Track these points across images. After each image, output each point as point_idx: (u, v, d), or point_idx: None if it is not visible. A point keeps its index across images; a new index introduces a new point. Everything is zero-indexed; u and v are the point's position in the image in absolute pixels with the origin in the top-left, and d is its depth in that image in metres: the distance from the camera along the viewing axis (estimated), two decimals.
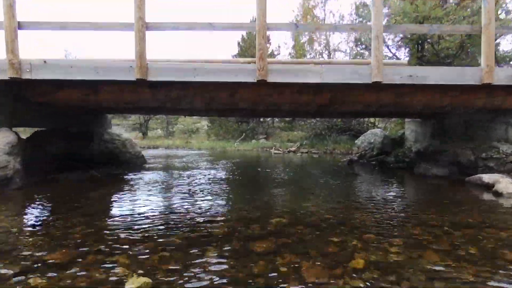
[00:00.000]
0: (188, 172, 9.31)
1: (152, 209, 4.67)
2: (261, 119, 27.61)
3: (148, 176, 8.45)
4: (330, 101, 6.54)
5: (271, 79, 5.80)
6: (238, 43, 28.60)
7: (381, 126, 20.51)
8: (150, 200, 5.33)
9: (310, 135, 22.37)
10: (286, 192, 6.31)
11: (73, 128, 9.14)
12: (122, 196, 5.71)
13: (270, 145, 22.12)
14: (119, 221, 3.98)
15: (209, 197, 5.66)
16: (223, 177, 8.49)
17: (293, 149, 19.04)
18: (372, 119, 20.01)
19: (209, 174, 8.88)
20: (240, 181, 8.11)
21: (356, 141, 13.20)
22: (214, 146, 23.21)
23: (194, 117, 42.26)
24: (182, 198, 5.55)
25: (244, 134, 24.52)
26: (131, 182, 7.30)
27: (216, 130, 26.62)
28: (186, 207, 4.83)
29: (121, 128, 38.98)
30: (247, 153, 18.98)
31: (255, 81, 5.78)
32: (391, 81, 5.89)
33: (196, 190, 6.38)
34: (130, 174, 8.66)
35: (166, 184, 7.29)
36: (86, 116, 9.60)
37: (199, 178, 8.09)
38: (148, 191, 6.23)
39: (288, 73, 5.87)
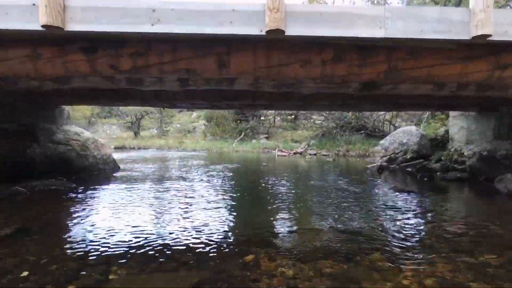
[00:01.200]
0: (169, 185, 6.67)
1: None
2: (262, 117, 24.91)
3: (107, 192, 5.80)
4: (386, 76, 3.90)
5: (291, 29, 3.14)
6: None
7: (399, 123, 17.88)
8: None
9: (317, 135, 19.70)
10: (326, 239, 3.69)
11: (8, 124, 6.46)
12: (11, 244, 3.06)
13: (272, 145, 19.46)
14: None
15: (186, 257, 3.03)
16: (215, 196, 5.83)
17: (299, 150, 16.38)
18: (388, 116, 17.38)
19: (195, 191, 6.23)
20: (239, 204, 5.46)
21: (381, 142, 10.55)
22: (210, 147, 20.55)
23: (193, 116, 39.58)
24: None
25: (243, 133, 21.88)
26: (68, 207, 4.66)
27: (213, 129, 23.90)
28: None
29: (116, 128, 36.35)
30: (247, 155, 16.34)
31: (263, 33, 3.14)
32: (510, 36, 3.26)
33: (166, 233, 3.75)
34: (81, 188, 6.00)
35: (124, 213, 4.64)
36: (27, 106, 6.89)
37: (179, 200, 5.45)
38: (82, 227, 3.59)
39: (322, 21, 3.20)
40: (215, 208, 4.89)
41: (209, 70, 3.73)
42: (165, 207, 4.93)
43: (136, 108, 26.87)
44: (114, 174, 8.14)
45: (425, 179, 7.39)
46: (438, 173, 7.77)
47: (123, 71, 3.74)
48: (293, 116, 28.96)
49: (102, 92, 6.10)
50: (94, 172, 7.91)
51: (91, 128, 35.46)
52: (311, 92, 4.74)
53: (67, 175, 6.97)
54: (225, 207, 4.97)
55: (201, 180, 7.46)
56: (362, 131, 15.83)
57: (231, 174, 8.77)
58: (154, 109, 28.21)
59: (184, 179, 7.56)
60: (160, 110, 28.25)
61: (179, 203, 5.19)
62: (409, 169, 8.65)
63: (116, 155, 15.99)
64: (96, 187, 6.34)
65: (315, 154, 15.29)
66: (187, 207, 4.88)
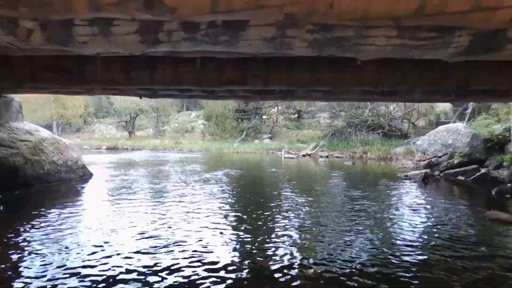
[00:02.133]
0: (148, 205, 4.70)
1: None
2: (265, 116, 22.92)
3: (43, 223, 3.84)
4: None
5: None
6: None
7: (418, 122, 15.90)
8: None
9: (326, 135, 17.73)
10: None
11: None
12: None
13: (277, 146, 17.50)
14: None
15: None
16: (208, 221, 3.87)
17: (308, 152, 14.41)
18: (398, 112, 15.44)
19: (180, 212, 4.27)
20: (243, 239, 3.46)
21: (417, 142, 8.60)
22: (209, 148, 18.59)
23: (192, 116, 37.52)
24: None
25: (245, 133, 19.90)
26: None
27: (212, 128, 21.91)
28: None
29: (113, 127, 34.38)
30: (250, 158, 14.41)
31: None
32: None
33: None
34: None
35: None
36: None
37: (154, 233, 3.47)
38: None
39: None
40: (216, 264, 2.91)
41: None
42: (133, 260, 2.95)
43: (131, 106, 24.96)
44: (81, 185, 6.18)
45: (507, 196, 5.34)
46: (509, 185, 5.78)
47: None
48: (296, 115, 27.00)
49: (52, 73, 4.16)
50: (54, 182, 5.93)
51: (87, 128, 33.58)
52: (374, 57, 2.74)
53: (11, 188, 5.00)
54: (230, 255, 3.01)
55: (195, 197, 5.47)
56: (380, 130, 13.85)
57: (234, 186, 6.79)
58: (150, 107, 26.28)
59: (171, 195, 5.59)
60: (156, 108, 26.30)
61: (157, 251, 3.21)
62: (460, 178, 6.69)
63: (102, 158, 13.99)
64: (35, 211, 4.34)
65: (327, 157, 13.32)
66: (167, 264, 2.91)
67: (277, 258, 2.88)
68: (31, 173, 5.53)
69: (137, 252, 2.94)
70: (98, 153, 16.67)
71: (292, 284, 2.41)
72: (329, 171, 9.06)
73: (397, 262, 2.79)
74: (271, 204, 5.00)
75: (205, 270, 2.60)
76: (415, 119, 15.07)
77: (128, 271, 2.56)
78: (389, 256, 2.89)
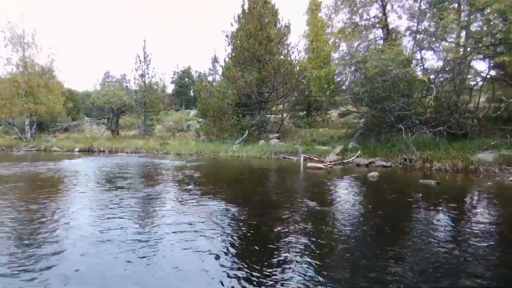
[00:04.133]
0: None
1: None
2: (272, 109, 18.45)
3: None
4: None
5: None
6: None
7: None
8: None
9: (353, 133, 13.32)
10: None
11: None
12: None
13: (289, 149, 13.11)
14: None
15: None
16: None
17: (335, 158, 9.98)
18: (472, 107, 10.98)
19: None
20: None
21: None
22: (202, 150, 14.21)
23: (191, 114, 32.92)
24: None
25: (247, 132, 15.51)
26: None
27: (208, 127, 17.48)
28: None
29: (92, 125, 29.91)
30: (255, 165, 10.05)
31: None
32: None
33: None
34: None
35: None
36: None
37: None
38: None
39: None
40: None
41: None
42: None
43: (111, 99, 20.61)
44: None
45: None
46: None
47: None
48: (304, 112, 22.55)
49: None
50: None
51: (76, 127, 29.16)
52: None
53: None
54: None
55: None
56: (439, 127, 9.36)
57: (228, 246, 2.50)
58: (136, 102, 21.85)
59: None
60: (144, 103, 21.88)
61: None
62: None
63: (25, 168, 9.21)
64: None
65: (367, 165, 8.92)
66: None
67: None
68: None
69: None
70: (54, 160, 12.25)
71: None
72: (418, 209, 4.62)
73: None
74: None
75: None
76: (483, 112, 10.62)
77: None
78: None
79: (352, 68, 10.65)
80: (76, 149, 17.70)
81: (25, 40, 22.32)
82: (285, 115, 20.35)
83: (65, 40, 78.11)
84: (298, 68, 16.40)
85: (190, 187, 5.88)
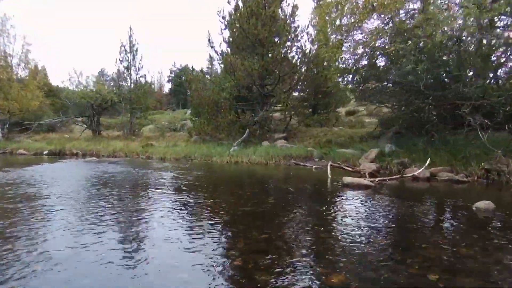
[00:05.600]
0: None
1: None
2: (277, 104, 15.37)
3: None
4: None
5: None
6: None
7: None
8: None
9: (379, 133, 10.27)
10: None
11: None
12: None
13: (301, 152, 10.08)
14: None
15: None
16: None
17: (375, 167, 6.93)
18: None
19: None
20: None
21: None
22: (192, 154, 11.13)
23: (188, 112, 29.40)
24: None
25: (248, 131, 12.43)
26: None
27: (201, 125, 14.33)
28: None
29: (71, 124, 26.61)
30: (260, 177, 6.98)
31: None
32: None
33: None
34: None
35: None
36: None
37: None
38: None
39: None
40: None
41: None
42: None
43: (90, 94, 17.50)
44: None
45: None
46: None
47: None
48: (310, 110, 19.38)
49: None
50: None
51: (64, 127, 25.90)
52: None
53: None
54: None
55: None
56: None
57: None
58: (119, 98, 18.72)
59: None
60: (129, 99, 18.73)
61: None
62: None
63: None
64: None
65: (428, 179, 5.88)
66: None
67: None
68: None
69: None
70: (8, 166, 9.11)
71: None
72: None
73: None
74: None
75: None
76: None
77: None
78: None
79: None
80: (45, 152, 14.64)
81: None
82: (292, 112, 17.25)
83: (59, 34, 74.94)
84: (310, 53, 13.34)
85: (139, 232, 2.86)
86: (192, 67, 14.06)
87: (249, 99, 14.23)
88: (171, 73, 50.89)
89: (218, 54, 13.73)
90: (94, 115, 18.56)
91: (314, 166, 8.27)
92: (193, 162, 10.48)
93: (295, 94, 17.64)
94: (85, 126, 19.24)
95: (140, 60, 19.38)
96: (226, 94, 13.57)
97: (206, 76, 14.35)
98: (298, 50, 13.70)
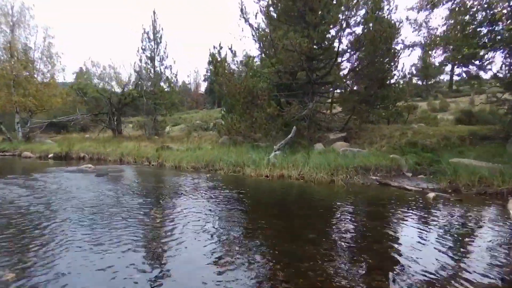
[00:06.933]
0: None
1: None
2: (331, 95, 11.53)
3: None
4: None
5: None
6: None
7: None
8: None
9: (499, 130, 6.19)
10: None
11: None
12: None
13: (378, 161, 6.38)
14: None
15: None
16: None
17: None
18: None
19: None
20: None
21: None
22: (216, 161, 7.70)
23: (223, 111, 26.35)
24: None
25: (294, 129, 8.72)
26: None
27: (232, 122, 10.82)
28: None
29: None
30: (337, 220, 3.43)
31: None
32: None
33: None
34: None
35: None
36: None
37: None
38: None
39: None
40: None
41: None
42: None
43: (106, 88, 14.92)
44: None
45: None
46: None
47: None
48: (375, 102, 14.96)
49: None
50: None
51: (93, 127, 23.89)
52: None
53: None
54: None
55: None
56: None
57: None
58: (143, 95, 15.96)
59: None
60: (152, 93, 15.91)
61: None
62: None
63: None
64: None
65: None
66: None
67: None
68: None
69: None
70: None
71: None
72: None
73: None
74: None
75: None
76: None
77: None
78: None
79: None
80: (50, 155, 12.16)
81: (14, 18, 17.31)
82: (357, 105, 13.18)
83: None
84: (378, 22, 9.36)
85: None
86: (219, 45, 10.69)
87: (293, 88, 10.61)
88: (207, 71, 48.84)
89: (253, 29, 10.25)
90: (113, 112, 15.97)
91: (431, 195, 4.47)
92: (216, 173, 7.12)
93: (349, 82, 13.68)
94: (104, 124, 16.73)
95: (165, 48, 16.49)
96: (264, 82, 10.09)
97: (237, 58, 10.92)
98: (362, 19, 9.83)
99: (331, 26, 9.81)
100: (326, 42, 10.54)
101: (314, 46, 9.34)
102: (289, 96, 10.46)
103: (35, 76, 17.69)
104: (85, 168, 8.05)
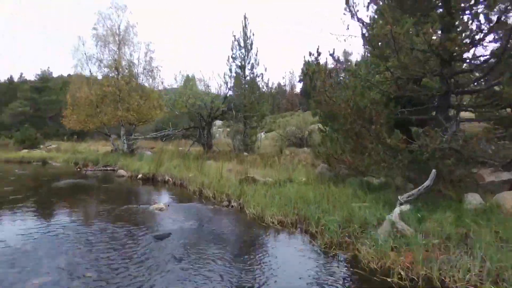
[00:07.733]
0: None
1: None
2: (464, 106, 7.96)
3: None
4: None
5: None
6: None
7: None
8: None
9: None
10: None
11: None
12: None
13: None
14: None
15: None
16: None
17: None
18: None
19: None
20: None
21: None
22: (310, 216, 5.46)
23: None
24: None
25: (433, 172, 5.64)
26: None
27: (332, 144, 8.19)
28: None
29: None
30: None
31: None
32: None
33: None
34: None
35: None
36: None
37: None
38: None
39: None
40: None
41: None
42: None
43: (185, 93, 14.02)
44: None
45: None
46: None
47: None
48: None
49: None
50: None
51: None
52: None
53: None
54: None
55: None
56: None
57: None
58: (232, 108, 14.67)
59: None
60: (243, 106, 14.45)
61: None
62: None
63: None
64: None
65: None
66: None
67: None
68: None
69: None
70: None
71: None
72: None
73: None
74: None
75: None
76: None
77: None
78: None
79: None
80: (139, 176, 11.88)
81: (120, 36, 18.26)
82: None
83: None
84: None
85: None
86: (317, 50, 8.28)
87: (417, 102, 7.53)
88: (302, 72, 47.15)
89: (363, 25, 7.56)
90: (203, 127, 15.20)
91: None
92: (312, 242, 4.85)
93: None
94: (194, 139, 16.14)
95: (255, 55, 14.93)
96: (377, 94, 7.35)
97: (340, 65, 8.25)
98: None
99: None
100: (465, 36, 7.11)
101: (465, 41, 6.14)
102: (412, 114, 7.41)
103: (138, 90, 18.37)
104: (156, 211, 6.78)
